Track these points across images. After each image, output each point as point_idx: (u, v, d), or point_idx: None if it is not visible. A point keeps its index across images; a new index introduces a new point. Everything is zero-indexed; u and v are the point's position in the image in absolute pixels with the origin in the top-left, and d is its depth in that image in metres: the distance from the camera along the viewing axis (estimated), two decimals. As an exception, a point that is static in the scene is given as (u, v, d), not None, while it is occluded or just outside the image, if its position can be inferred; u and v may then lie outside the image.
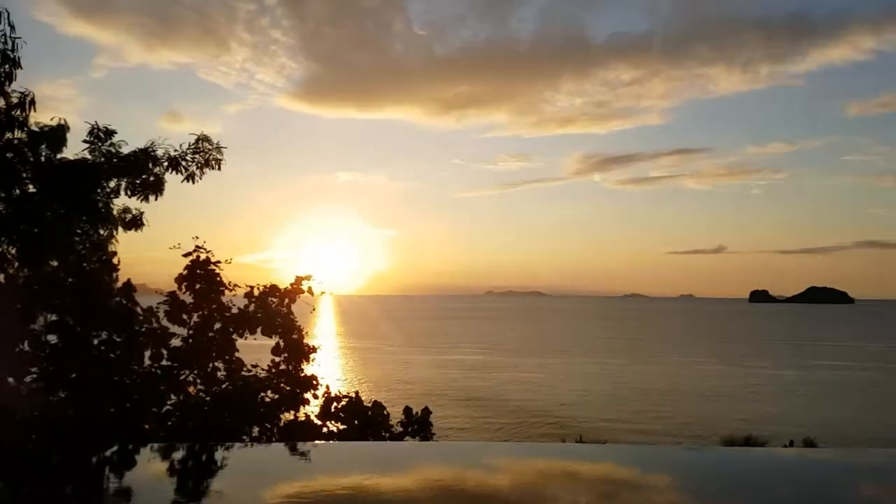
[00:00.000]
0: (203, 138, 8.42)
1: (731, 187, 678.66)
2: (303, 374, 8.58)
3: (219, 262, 8.47)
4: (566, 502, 2.64)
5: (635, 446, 18.67)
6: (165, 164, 8.28)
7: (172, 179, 8.40)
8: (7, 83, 7.37)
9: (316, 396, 8.72)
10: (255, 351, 9.12)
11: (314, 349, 8.71)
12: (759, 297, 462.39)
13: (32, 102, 7.54)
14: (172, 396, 7.87)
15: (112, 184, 8.19)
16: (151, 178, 8.18)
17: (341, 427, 8.91)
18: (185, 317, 8.21)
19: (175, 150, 8.32)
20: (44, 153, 7.92)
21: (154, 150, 8.25)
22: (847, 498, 2.73)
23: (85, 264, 7.82)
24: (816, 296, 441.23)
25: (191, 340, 8.11)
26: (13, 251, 7.61)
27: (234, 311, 8.43)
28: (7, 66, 7.27)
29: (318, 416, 8.84)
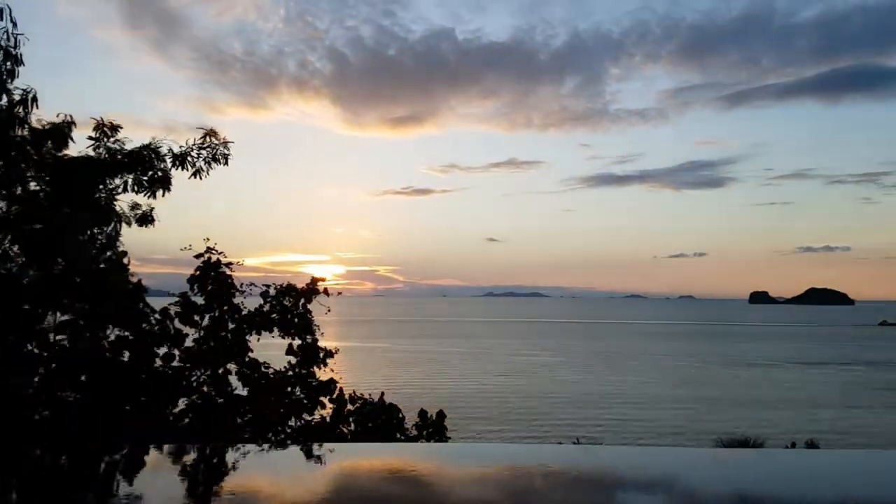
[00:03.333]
0: (210, 133, 8.28)
1: (711, 195, 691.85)
2: (317, 377, 8.49)
3: (230, 263, 8.40)
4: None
5: (639, 448, 18.77)
6: (170, 159, 8.15)
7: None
8: (9, 80, 7.23)
9: (331, 399, 8.61)
10: (270, 351, 9.00)
11: (330, 352, 8.61)
12: (759, 298, 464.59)
13: (35, 100, 7.43)
14: (184, 397, 7.79)
15: (117, 180, 8.06)
16: (158, 174, 8.05)
17: (355, 430, 8.78)
18: (196, 318, 8.14)
19: (181, 146, 8.18)
20: (48, 150, 7.80)
21: (159, 146, 8.12)
22: (848, 499, 2.71)
23: (93, 263, 7.70)
24: (816, 297, 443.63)
25: (202, 342, 8.03)
26: (17, 249, 7.49)
27: (246, 311, 8.36)
28: (9, 63, 7.13)
29: (331, 419, 8.72)
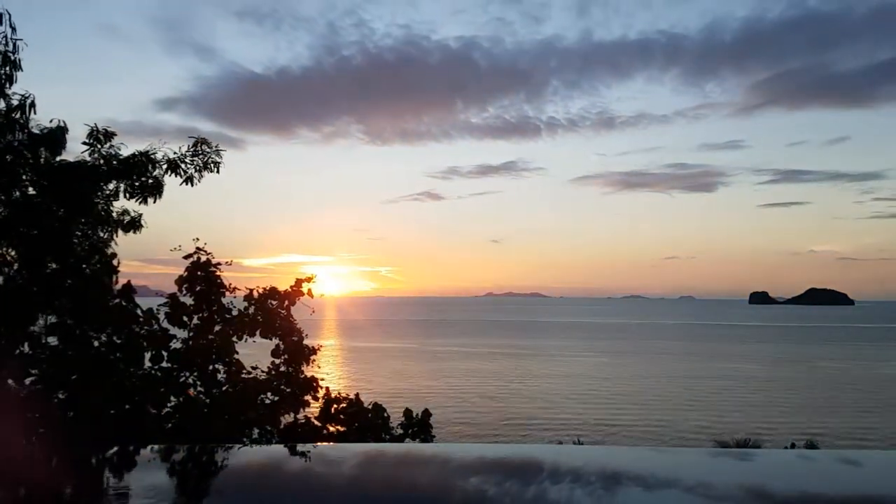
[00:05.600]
0: (202, 141, 8.39)
1: (709, 197, 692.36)
2: (303, 376, 8.58)
3: (219, 263, 8.48)
4: None
5: (634, 448, 18.57)
6: (164, 166, 8.26)
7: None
8: (7, 85, 7.33)
9: (316, 398, 8.72)
10: (256, 352, 9.12)
11: (314, 351, 8.70)
12: (759, 298, 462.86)
13: (33, 105, 7.48)
14: (172, 398, 7.87)
15: (111, 186, 8.17)
16: (150, 181, 8.16)
17: (341, 429, 8.91)
18: (185, 318, 8.22)
19: (174, 153, 8.30)
20: (43, 155, 7.90)
21: (154, 153, 8.23)
22: (847, 499, 2.71)
23: (84, 266, 7.80)
24: (816, 297, 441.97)
25: (191, 342, 8.11)
26: (13, 253, 7.60)
27: (235, 312, 8.45)
28: (7, 68, 7.22)
29: (318, 418, 8.83)
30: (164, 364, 7.95)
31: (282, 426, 8.35)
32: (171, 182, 8.30)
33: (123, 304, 7.83)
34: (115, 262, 8.03)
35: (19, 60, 7.22)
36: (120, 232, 8.29)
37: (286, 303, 8.63)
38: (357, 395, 9.30)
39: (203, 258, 8.44)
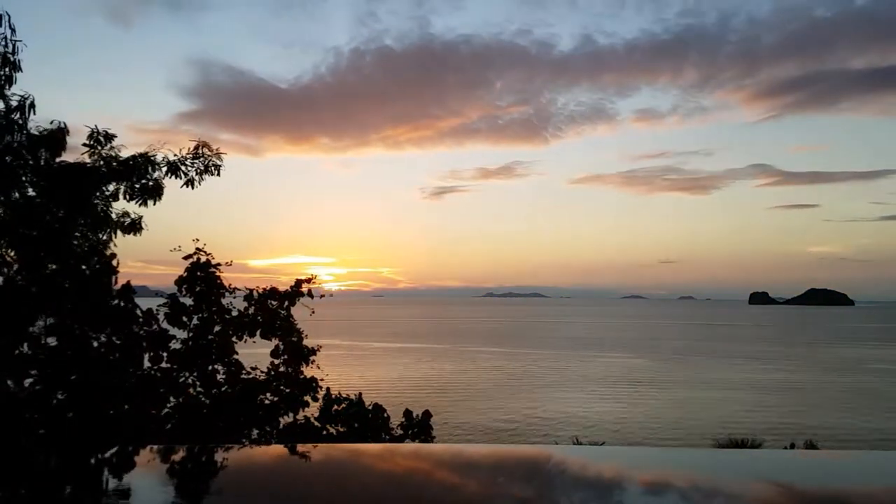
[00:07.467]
0: (202, 144, 8.41)
1: (708, 198, 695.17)
2: (302, 377, 8.59)
3: (219, 264, 8.51)
4: None
5: (634, 448, 18.58)
6: (164, 168, 8.28)
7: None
8: (7, 86, 7.35)
9: (316, 399, 8.73)
10: (256, 350, 9.13)
11: (314, 351, 8.73)
12: (759, 298, 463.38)
13: (32, 106, 7.50)
14: (172, 398, 7.89)
15: (111, 187, 8.19)
16: (151, 183, 8.17)
17: (341, 429, 8.91)
18: (184, 319, 8.24)
19: (175, 156, 8.32)
20: (43, 156, 7.91)
21: (153, 155, 8.24)
22: (847, 499, 2.70)
23: (84, 267, 7.82)
24: (816, 297, 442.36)
25: (190, 343, 8.13)
26: (12, 254, 7.61)
27: (235, 313, 8.48)
28: (7, 70, 7.24)
29: (317, 419, 8.83)
30: (164, 364, 7.97)
31: (281, 426, 8.36)
32: (184, 187, 8.34)
33: (123, 304, 7.85)
34: (114, 262, 8.05)
35: (19, 62, 7.24)
36: (121, 234, 8.31)
37: (286, 303, 8.66)
38: (358, 395, 9.30)
39: (203, 259, 8.47)
